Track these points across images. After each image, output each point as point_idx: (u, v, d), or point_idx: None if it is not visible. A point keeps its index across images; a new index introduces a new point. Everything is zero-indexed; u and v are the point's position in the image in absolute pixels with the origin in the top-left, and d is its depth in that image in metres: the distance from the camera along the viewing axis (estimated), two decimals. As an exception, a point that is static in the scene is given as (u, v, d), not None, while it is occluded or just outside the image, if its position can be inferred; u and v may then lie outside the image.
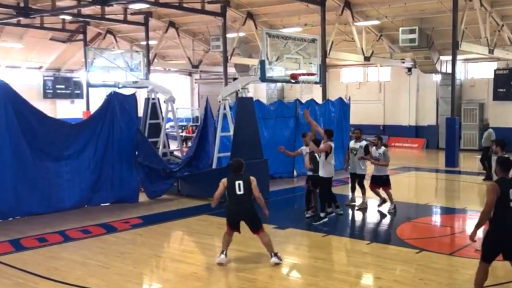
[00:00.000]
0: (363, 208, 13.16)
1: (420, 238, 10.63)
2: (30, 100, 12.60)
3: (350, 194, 13.67)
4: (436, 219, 12.96)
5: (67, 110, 37.17)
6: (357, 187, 13.34)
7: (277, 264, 8.60)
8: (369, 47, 27.21)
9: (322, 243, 10.31)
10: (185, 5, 24.46)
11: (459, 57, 22.98)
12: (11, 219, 11.75)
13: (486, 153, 17.10)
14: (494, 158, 9.78)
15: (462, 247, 9.71)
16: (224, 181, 8.99)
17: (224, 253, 8.82)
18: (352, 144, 13.33)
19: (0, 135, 11.42)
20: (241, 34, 29.21)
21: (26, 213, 11.83)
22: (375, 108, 31.56)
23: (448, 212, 13.26)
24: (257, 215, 8.88)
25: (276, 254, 8.72)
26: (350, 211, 13.10)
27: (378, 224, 12.43)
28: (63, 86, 38.63)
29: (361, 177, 13.22)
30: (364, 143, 13.09)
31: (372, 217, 13.22)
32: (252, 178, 8.84)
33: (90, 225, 11.43)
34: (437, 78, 29.20)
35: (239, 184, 8.76)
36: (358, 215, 12.97)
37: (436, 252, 9.40)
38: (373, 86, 32.23)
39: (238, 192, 8.76)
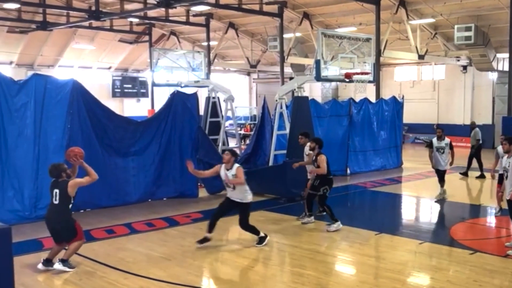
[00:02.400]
0: (441, 200, 13.65)
1: (474, 239, 10.48)
2: (100, 99, 13.18)
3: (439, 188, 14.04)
4: (491, 220, 12.61)
5: (134, 108, 38.21)
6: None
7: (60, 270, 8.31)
8: (424, 46, 26.97)
9: (375, 241, 10.35)
10: (244, 6, 24.92)
11: (516, 54, 22.56)
12: (82, 211, 12.26)
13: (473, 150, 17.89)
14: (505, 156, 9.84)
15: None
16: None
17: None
18: (436, 142, 13.75)
19: (74, 132, 12.00)
20: (298, 34, 29.48)
21: (96, 206, 12.38)
22: (429, 107, 31.17)
23: (503, 213, 12.94)
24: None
25: (63, 261, 8.41)
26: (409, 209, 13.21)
27: (432, 224, 12.47)
28: (130, 86, 39.64)
29: (443, 172, 13.85)
30: (448, 140, 13.80)
31: (425, 216, 13.31)
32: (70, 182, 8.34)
33: (154, 219, 11.86)
34: (493, 76, 28.61)
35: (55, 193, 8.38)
36: (411, 214, 13.08)
37: (491, 254, 9.25)
38: (427, 85, 31.84)
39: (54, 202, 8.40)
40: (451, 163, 14.04)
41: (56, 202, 8.39)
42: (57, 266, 8.36)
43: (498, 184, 11.95)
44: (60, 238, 8.55)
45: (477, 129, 18.81)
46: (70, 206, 8.46)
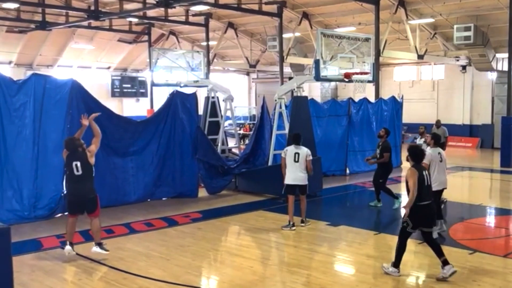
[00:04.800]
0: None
1: (473, 239, 10.49)
2: (100, 99, 13.19)
3: None
4: (490, 220, 12.73)
5: (133, 108, 38.12)
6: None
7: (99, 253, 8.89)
8: (423, 45, 26.95)
9: (374, 241, 10.40)
10: (243, 6, 24.91)
11: (515, 54, 22.58)
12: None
13: None
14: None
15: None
16: None
17: None
18: (417, 140, 14.06)
19: (73, 131, 11.58)
20: (297, 34, 29.45)
21: None
22: (428, 107, 31.16)
23: (503, 213, 13.03)
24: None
25: (100, 244, 8.98)
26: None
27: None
28: (129, 85, 39.57)
29: None
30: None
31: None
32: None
33: (153, 219, 11.88)
34: (492, 76, 28.62)
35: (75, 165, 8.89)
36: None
37: (490, 253, 9.26)
38: (427, 85, 31.85)
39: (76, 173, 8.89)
40: None
41: (79, 173, 8.86)
42: (96, 249, 8.87)
43: None
44: (81, 209, 9.00)
45: (443, 127, 18.91)
46: (93, 175, 9.01)
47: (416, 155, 8.25)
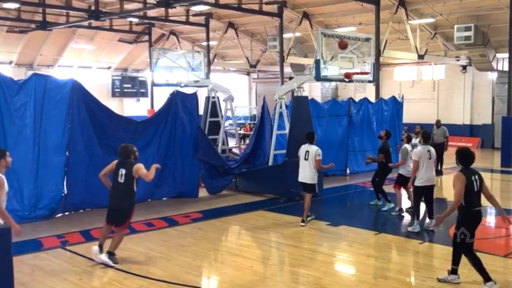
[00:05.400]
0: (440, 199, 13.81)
1: (474, 239, 10.61)
2: (100, 99, 13.21)
3: None
4: (491, 220, 12.63)
5: (133, 108, 38.15)
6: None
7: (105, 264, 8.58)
8: (423, 45, 26.95)
9: (375, 241, 10.39)
10: (243, 6, 24.90)
11: (515, 54, 22.57)
12: (82, 211, 12.36)
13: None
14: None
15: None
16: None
17: None
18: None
19: (73, 131, 12.02)
20: (297, 34, 29.44)
21: (95, 206, 12.27)
22: (429, 107, 31.14)
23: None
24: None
25: (110, 253, 8.69)
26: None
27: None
28: (129, 85, 39.61)
29: None
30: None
31: (425, 216, 13.30)
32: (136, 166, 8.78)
33: (153, 219, 11.89)
34: (493, 76, 28.59)
35: (121, 173, 8.82)
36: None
37: (490, 253, 9.26)
38: (427, 85, 31.83)
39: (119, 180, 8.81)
40: None
41: (121, 181, 8.78)
42: (103, 257, 8.60)
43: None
44: (113, 219, 8.87)
45: (444, 127, 19.10)
46: (135, 187, 8.87)
47: (464, 158, 7.66)
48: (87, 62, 37.15)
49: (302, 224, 11.30)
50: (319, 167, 11.47)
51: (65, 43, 34.09)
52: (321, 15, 28.22)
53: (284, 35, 26.99)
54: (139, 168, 8.76)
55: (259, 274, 8.45)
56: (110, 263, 8.57)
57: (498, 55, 26.57)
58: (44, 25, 26.93)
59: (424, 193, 10.99)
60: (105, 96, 34.82)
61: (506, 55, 21.80)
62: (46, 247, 9.81)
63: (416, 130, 15.33)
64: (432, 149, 11.01)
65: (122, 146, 9.10)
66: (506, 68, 22.66)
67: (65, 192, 11.99)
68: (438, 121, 19.72)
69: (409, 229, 10.89)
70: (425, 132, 11.59)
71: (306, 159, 11.44)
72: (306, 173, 11.45)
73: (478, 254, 9.09)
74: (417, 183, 10.75)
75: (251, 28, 32.57)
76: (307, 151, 11.46)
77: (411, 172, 11.06)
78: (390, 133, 13.63)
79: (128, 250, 9.60)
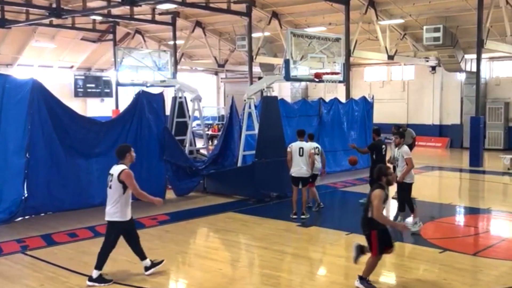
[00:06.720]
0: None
1: (443, 237, 10.61)
2: (62, 99, 12.86)
3: None
4: (460, 219, 12.89)
5: (97, 108, 37.66)
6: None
7: None
8: (393, 46, 27.19)
9: (345, 241, 10.33)
10: (211, 5, 24.68)
11: (484, 55, 22.77)
12: (43, 214, 12.02)
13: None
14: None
15: (486, 248, 9.72)
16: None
17: None
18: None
19: (34, 132, 11.67)
20: (266, 33, 29.39)
21: (58, 209, 12.03)
22: (399, 107, 31.48)
23: (472, 212, 13.18)
24: None
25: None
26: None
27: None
28: (93, 85, 39.04)
29: None
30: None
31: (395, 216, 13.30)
32: None
33: (119, 221, 11.70)
34: (461, 76, 28.99)
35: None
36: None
37: (460, 252, 9.35)
38: (397, 85, 32.15)
39: None
40: None
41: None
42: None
43: None
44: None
45: (409, 129, 18.67)
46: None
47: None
48: (48, 61, 36.40)
49: (302, 216, 11.89)
50: (312, 159, 12.12)
51: (25, 41, 33.22)
52: (290, 15, 28.20)
53: (253, 35, 26.88)
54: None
55: (228, 277, 8.34)
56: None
57: (466, 56, 26.93)
58: (2, 23, 26.21)
59: None
60: (67, 96, 34.14)
61: (474, 56, 22.06)
62: (6, 252, 9.51)
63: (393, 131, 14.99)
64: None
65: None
66: (474, 69, 22.93)
67: (26, 195, 11.60)
68: (403, 127, 19.69)
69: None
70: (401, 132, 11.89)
71: (301, 155, 11.92)
72: (302, 168, 11.95)
73: (448, 253, 9.17)
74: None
75: (219, 27, 32.37)
76: (301, 148, 11.98)
77: None
78: (378, 131, 13.50)
79: (92, 254, 9.24)
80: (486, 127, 26.23)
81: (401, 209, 11.25)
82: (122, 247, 9.57)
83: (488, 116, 27.26)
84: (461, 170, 20.68)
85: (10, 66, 34.50)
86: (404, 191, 11.05)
